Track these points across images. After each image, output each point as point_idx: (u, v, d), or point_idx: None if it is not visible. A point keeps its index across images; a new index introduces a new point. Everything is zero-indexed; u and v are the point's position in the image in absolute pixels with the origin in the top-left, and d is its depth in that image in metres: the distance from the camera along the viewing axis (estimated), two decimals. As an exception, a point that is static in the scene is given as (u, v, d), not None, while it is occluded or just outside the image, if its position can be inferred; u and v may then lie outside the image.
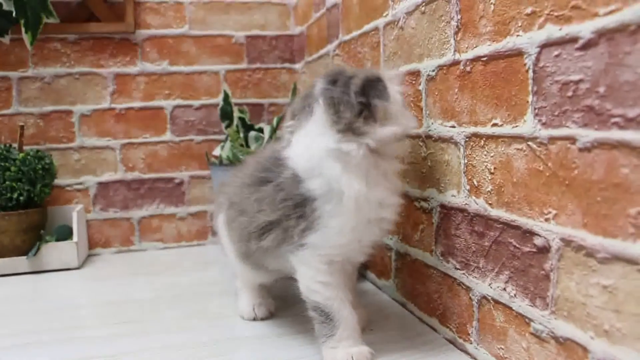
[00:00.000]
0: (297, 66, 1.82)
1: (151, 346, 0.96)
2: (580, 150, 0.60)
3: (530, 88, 0.68)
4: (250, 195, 0.87)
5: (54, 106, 1.66)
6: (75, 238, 1.54)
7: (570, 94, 0.61)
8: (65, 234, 1.60)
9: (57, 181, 1.64)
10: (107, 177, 1.71)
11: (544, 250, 0.66)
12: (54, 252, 1.51)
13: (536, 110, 0.67)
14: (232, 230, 0.97)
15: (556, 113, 0.63)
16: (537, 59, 0.66)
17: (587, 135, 0.59)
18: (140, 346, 0.96)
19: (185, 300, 1.22)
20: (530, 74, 0.67)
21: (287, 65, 1.83)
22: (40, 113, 1.65)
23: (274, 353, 0.91)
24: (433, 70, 0.91)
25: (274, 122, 1.51)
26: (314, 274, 0.81)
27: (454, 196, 0.87)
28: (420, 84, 0.96)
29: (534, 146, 0.67)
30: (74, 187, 1.69)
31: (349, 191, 0.77)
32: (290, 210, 0.80)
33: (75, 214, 1.56)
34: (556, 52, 0.63)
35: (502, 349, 0.76)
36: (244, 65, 1.79)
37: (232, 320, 1.07)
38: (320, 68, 1.55)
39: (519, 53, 0.69)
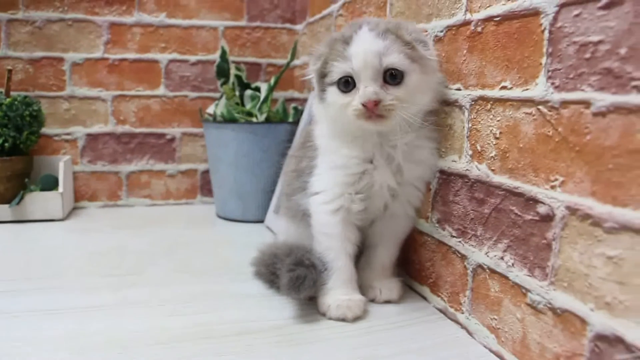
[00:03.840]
0: (298, 27, 1.76)
1: (133, 299, 0.93)
2: (595, 114, 0.57)
3: (545, 49, 0.64)
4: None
5: (45, 52, 1.60)
6: (60, 188, 1.50)
7: (588, 55, 0.58)
8: (50, 184, 1.56)
9: (45, 130, 1.60)
10: (97, 129, 1.66)
11: (547, 218, 0.64)
12: (38, 201, 1.47)
13: (549, 73, 0.64)
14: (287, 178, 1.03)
15: (571, 76, 0.60)
16: (555, 19, 0.63)
17: (603, 99, 0.56)
18: (122, 299, 0.93)
19: (171, 255, 1.19)
20: (546, 34, 0.64)
21: (287, 25, 1.77)
22: (29, 58, 1.60)
23: (261, 312, 0.88)
24: (441, 31, 0.88)
25: (272, 81, 1.47)
26: (320, 224, 0.88)
27: (455, 161, 0.84)
28: (426, 45, 0.92)
29: (545, 110, 0.64)
30: (62, 137, 1.65)
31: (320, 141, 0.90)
32: (310, 152, 0.92)
33: (62, 164, 1.52)
34: (576, 12, 0.59)
35: (495, 319, 0.74)
36: (243, 23, 1.73)
37: (220, 277, 1.05)
38: (322, 29, 1.50)
39: (535, 13, 0.66)
